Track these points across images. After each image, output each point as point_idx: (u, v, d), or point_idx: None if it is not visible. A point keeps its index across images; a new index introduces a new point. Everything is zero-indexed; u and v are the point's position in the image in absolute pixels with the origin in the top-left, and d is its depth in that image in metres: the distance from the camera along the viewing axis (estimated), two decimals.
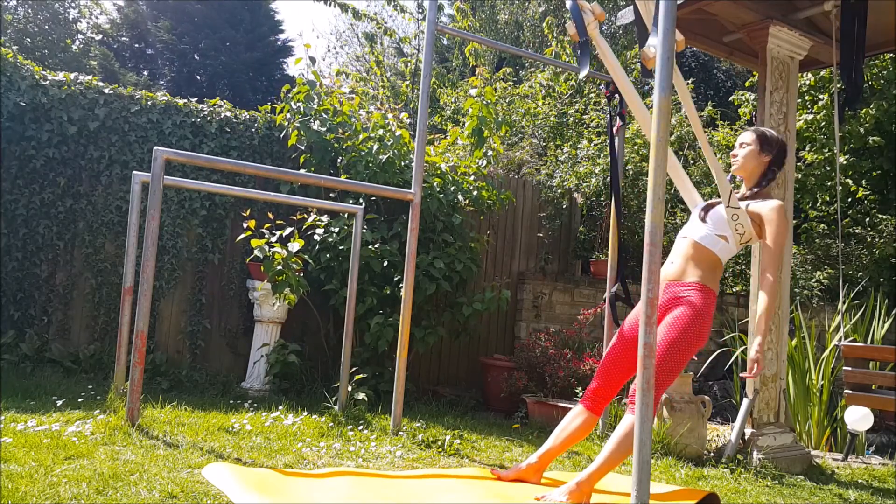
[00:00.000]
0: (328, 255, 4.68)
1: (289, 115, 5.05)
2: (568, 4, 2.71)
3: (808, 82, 8.02)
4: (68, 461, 2.46)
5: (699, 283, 2.63)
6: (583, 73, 2.71)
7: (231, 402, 4.15)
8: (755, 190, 2.84)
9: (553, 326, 5.59)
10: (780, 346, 3.98)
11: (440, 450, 3.35)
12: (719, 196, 2.74)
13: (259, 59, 16.18)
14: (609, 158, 5.81)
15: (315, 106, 4.95)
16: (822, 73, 7.81)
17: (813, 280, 6.92)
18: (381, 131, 4.98)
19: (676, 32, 2.43)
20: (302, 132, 4.88)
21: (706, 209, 2.79)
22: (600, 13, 2.71)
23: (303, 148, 5.03)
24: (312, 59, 5.54)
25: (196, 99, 5.16)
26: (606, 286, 4.41)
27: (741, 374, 2.71)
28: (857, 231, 7.56)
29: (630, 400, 2.58)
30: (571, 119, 7.65)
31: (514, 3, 13.64)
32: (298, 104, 4.97)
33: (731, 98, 9.12)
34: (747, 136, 2.89)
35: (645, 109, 2.90)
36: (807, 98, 8.09)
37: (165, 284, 4.87)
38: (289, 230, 4.37)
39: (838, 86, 5.81)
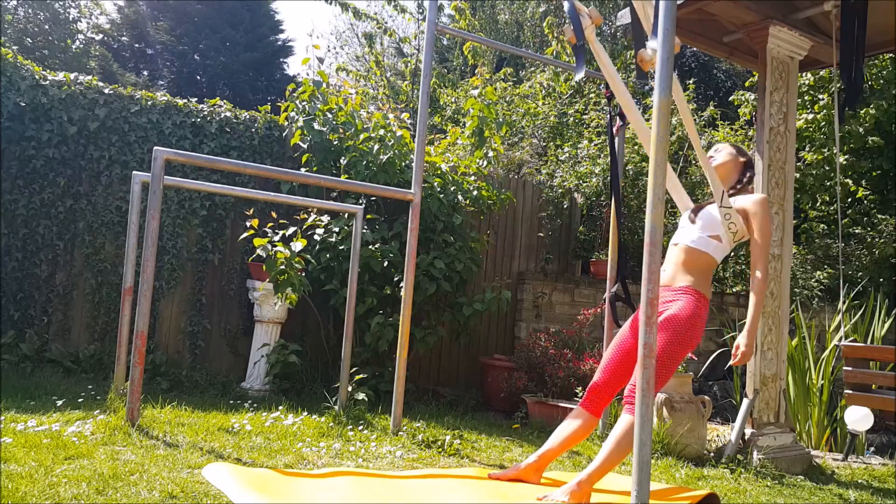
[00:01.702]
0: (328, 255, 4.68)
1: (292, 114, 5.05)
2: (565, 7, 2.70)
3: (807, 82, 8.02)
4: (68, 461, 2.46)
5: (689, 288, 2.69)
6: (578, 76, 2.73)
7: (231, 402, 4.15)
8: (733, 190, 2.92)
9: (553, 326, 5.59)
10: (780, 346, 3.98)
11: (440, 450, 3.35)
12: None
13: (259, 59, 16.18)
14: (609, 158, 5.82)
15: (319, 105, 4.96)
16: (822, 73, 7.80)
17: (813, 280, 6.91)
18: (381, 131, 4.98)
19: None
20: (305, 132, 4.88)
21: (695, 211, 2.88)
22: (597, 17, 2.72)
23: (305, 147, 5.03)
24: (320, 60, 5.54)
25: (196, 99, 5.16)
26: (606, 286, 4.41)
27: (731, 362, 2.76)
28: (856, 231, 7.56)
29: (626, 400, 2.61)
30: (571, 119, 7.65)
31: (515, 3, 13.63)
32: (303, 103, 4.97)
33: (731, 98, 9.11)
34: (721, 145, 3.02)
35: (640, 116, 2.91)
36: (807, 98, 8.09)
37: (165, 284, 4.87)
38: (292, 230, 4.37)
39: (838, 86, 5.81)
